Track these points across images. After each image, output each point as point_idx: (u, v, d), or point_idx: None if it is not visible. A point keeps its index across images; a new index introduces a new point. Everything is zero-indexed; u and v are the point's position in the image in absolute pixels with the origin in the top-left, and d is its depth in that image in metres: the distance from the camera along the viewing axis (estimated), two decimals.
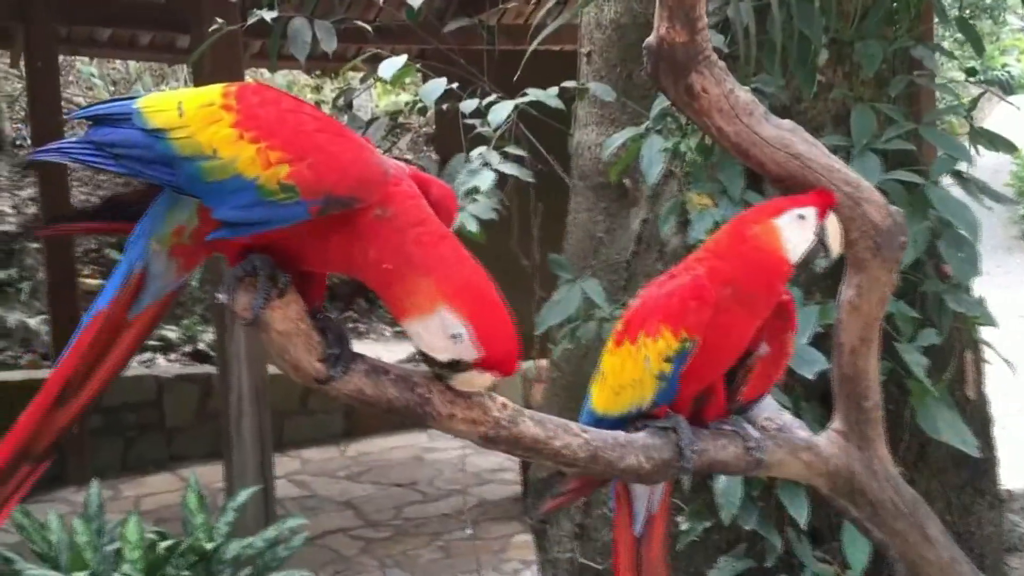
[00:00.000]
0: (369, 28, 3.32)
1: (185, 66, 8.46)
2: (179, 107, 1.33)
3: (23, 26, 6.77)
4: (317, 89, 11.35)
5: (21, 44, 6.96)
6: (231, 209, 1.28)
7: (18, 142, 10.02)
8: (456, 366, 1.32)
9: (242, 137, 1.28)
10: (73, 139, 1.40)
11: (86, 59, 10.38)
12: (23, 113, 9.82)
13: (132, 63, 10.72)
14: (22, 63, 7.15)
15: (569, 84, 3.15)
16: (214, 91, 1.35)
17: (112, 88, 11.01)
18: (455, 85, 3.07)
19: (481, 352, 1.29)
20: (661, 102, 2.82)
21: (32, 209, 9.17)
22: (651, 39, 1.63)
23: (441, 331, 1.29)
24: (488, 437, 1.44)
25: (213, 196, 1.29)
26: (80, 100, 10.52)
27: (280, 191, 1.26)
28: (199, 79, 5.87)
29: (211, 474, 5.68)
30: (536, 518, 3.70)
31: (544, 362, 3.98)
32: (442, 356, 1.32)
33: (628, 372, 1.61)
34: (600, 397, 1.68)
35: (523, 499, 5.95)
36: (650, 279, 1.79)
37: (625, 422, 1.64)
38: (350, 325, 9.75)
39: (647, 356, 1.58)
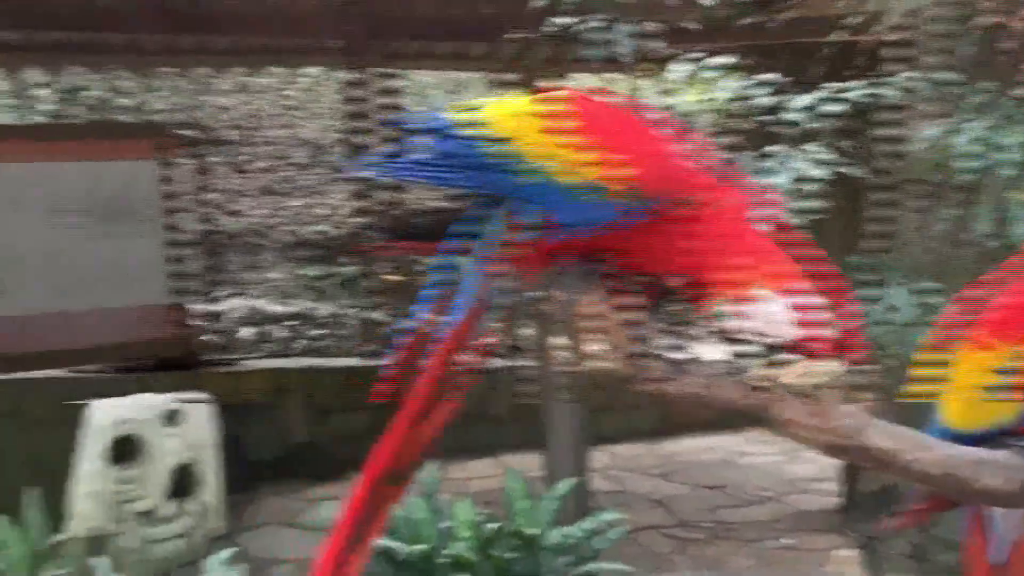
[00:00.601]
0: (660, 29, 3.34)
1: (480, 74, 8.82)
2: (490, 116, 1.42)
3: (357, 42, 7.32)
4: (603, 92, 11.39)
5: (369, 58, 7.60)
6: (542, 213, 1.34)
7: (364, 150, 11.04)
8: (773, 353, 1.29)
9: (552, 142, 1.34)
10: (386, 155, 1.49)
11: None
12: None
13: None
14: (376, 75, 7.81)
15: (915, 75, 2.98)
16: (522, 98, 1.42)
17: (449, 98, 11.74)
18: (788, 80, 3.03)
19: (801, 333, 1.26)
20: (980, 92, 2.60)
21: (345, 210, 10.07)
22: (978, 25, 1.48)
23: (763, 311, 1.27)
24: (832, 445, 1.36)
25: (524, 202, 1.36)
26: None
27: (589, 193, 1.31)
28: (496, 87, 6.14)
29: (528, 462, 5.95)
30: (865, 533, 3.51)
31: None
32: (760, 339, 1.29)
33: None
34: (953, 410, 1.56)
35: (845, 511, 5.65)
36: (964, 281, 1.63)
37: (985, 439, 1.50)
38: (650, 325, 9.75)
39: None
